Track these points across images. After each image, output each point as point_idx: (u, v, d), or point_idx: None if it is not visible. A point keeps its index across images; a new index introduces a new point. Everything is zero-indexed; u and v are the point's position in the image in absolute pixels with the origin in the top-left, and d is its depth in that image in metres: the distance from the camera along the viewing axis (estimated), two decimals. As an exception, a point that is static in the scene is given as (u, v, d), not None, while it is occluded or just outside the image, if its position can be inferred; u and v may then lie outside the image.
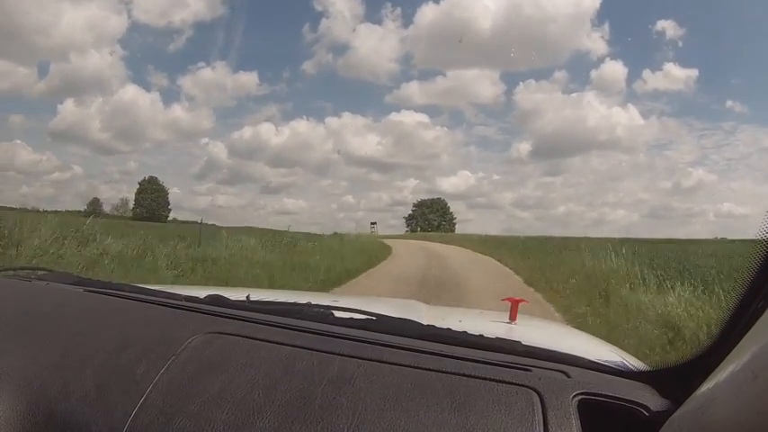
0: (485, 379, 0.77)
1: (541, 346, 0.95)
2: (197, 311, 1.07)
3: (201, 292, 1.23)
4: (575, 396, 0.74)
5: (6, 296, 1.19)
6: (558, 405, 0.72)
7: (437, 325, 1.02)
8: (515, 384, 0.76)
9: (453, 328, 1.00)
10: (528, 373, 0.80)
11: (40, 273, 1.41)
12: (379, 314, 1.07)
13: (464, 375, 0.78)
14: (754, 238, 0.64)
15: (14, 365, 0.87)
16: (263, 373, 0.80)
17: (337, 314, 1.08)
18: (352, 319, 1.06)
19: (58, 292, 1.25)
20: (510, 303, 1.54)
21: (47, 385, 0.83)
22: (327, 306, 1.13)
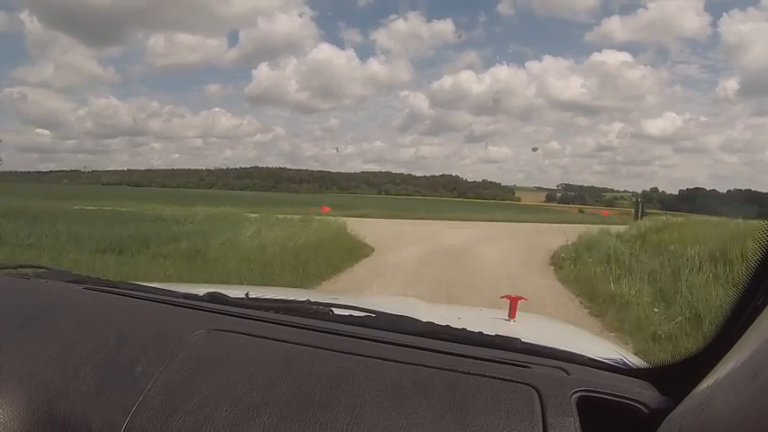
0: (484, 376, 0.77)
1: (540, 344, 0.95)
2: (196, 309, 1.07)
3: (201, 290, 1.23)
4: (574, 393, 0.74)
5: (5, 294, 1.19)
6: (557, 402, 0.72)
7: (436, 322, 1.02)
8: (514, 381, 0.76)
9: (452, 326, 1.00)
10: (527, 370, 0.80)
11: (38, 270, 1.41)
12: (379, 311, 1.07)
13: (463, 372, 0.78)
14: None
15: (13, 363, 0.87)
16: (263, 371, 0.80)
17: (337, 311, 1.08)
18: (351, 316, 1.06)
19: (56, 289, 1.25)
20: (509, 300, 1.54)
21: (46, 383, 0.83)
22: (327, 303, 1.13)
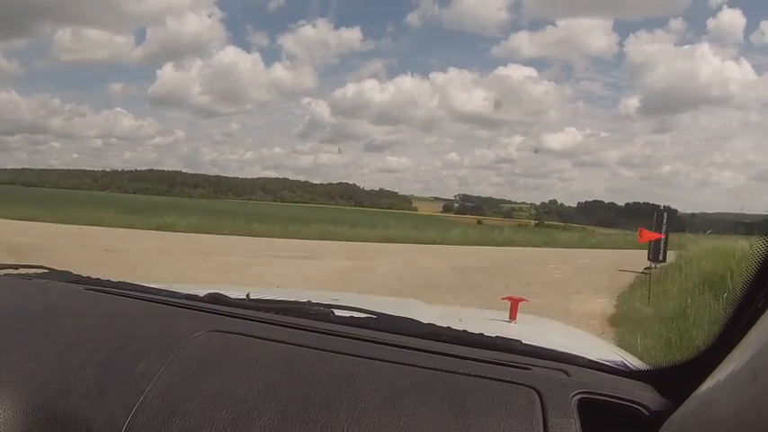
0: (485, 378, 0.77)
1: (541, 345, 0.95)
2: (197, 310, 1.07)
3: (201, 291, 1.23)
4: (574, 395, 0.74)
5: (6, 294, 1.19)
6: (557, 404, 0.72)
7: (437, 324, 1.02)
8: (515, 383, 0.76)
9: (453, 327, 1.00)
10: (528, 371, 0.80)
11: (39, 271, 1.41)
12: (380, 313, 1.07)
13: (464, 374, 0.78)
14: None
15: (14, 364, 0.87)
16: (263, 372, 0.80)
17: (338, 312, 1.08)
18: (352, 317, 1.06)
19: (57, 290, 1.25)
20: (510, 302, 1.54)
21: (46, 383, 0.83)
22: (328, 304, 1.13)
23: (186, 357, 0.85)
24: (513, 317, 1.52)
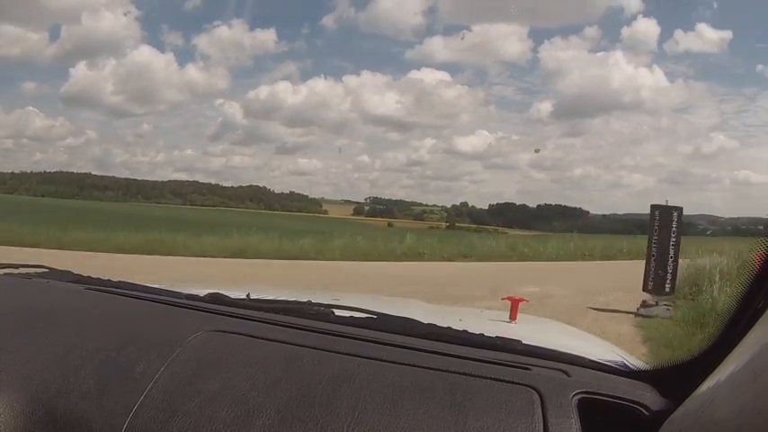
0: (485, 378, 0.77)
1: (541, 345, 0.95)
2: (197, 309, 1.07)
3: (202, 291, 1.23)
4: (575, 395, 0.74)
5: (6, 294, 1.19)
6: (557, 404, 0.72)
7: (437, 324, 1.02)
8: (515, 383, 0.76)
9: (453, 327, 1.00)
10: (528, 371, 0.80)
11: (40, 270, 1.41)
12: (380, 313, 1.07)
13: (464, 374, 0.78)
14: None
15: (15, 363, 0.87)
16: (264, 372, 0.80)
17: (338, 313, 1.08)
18: (352, 317, 1.06)
19: (58, 289, 1.25)
20: (510, 302, 1.54)
21: (47, 383, 0.83)
22: (328, 305, 1.13)
23: (186, 357, 0.85)
24: (513, 317, 1.52)
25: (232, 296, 1.17)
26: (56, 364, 0.86)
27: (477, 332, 0.97)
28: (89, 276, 1.38)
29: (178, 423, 0.74)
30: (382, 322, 1.03)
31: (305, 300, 1.18)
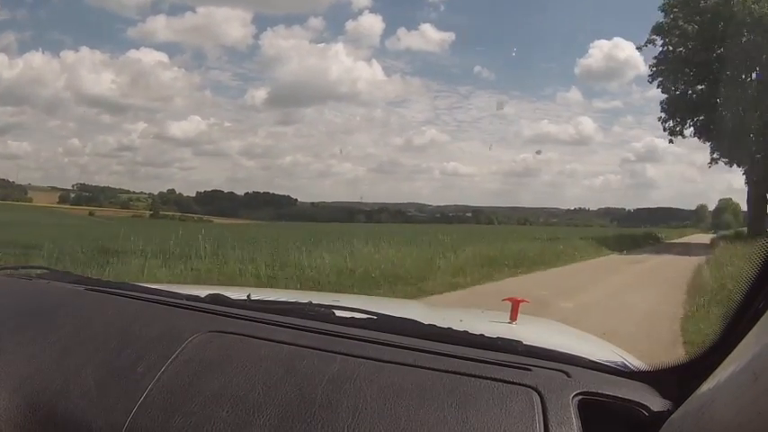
0: (485, 378, 0.77)
1: (542, 346, 0.95)
2: (198, 310, 1.07)
3: (202, 291, 1.23)
4: (575, 396, 0.74)
5: (7, 294, 1.19)
6: (558, 404, 0.72)
7: (438, 324, 1.02)
8: (516, 384, 0.76)
9: (454, 328, 1.00)
10: (528, 372, 0.80)
11: (40, 271, 1.41)
12: (381, 314, 1.07)
13: (465, 375, 0.78)
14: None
15: (15, 363, 0.87)
16: (264, 372, 0.81)
17: (338, 313, 1.08)
18: (353, 318, 1.06)
19: (58, 290, 1.26)
20: (511, 303, 1.54)
21: (47, 383, 0.83)
22: (329, 305, 1.13)
23: (187, 358, 0.85)
24: (513, 318, 1.52)
25: (232, 297, 1.17)
26: (56, 365, 0.87)
27: (478, 333, 0.97)
28: (89, 277, 1.39)
29: (178, 423, 0.74)
30: (383, 323, 1.03)
31: (305, 301, 1.18)
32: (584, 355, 0.94)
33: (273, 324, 0.99)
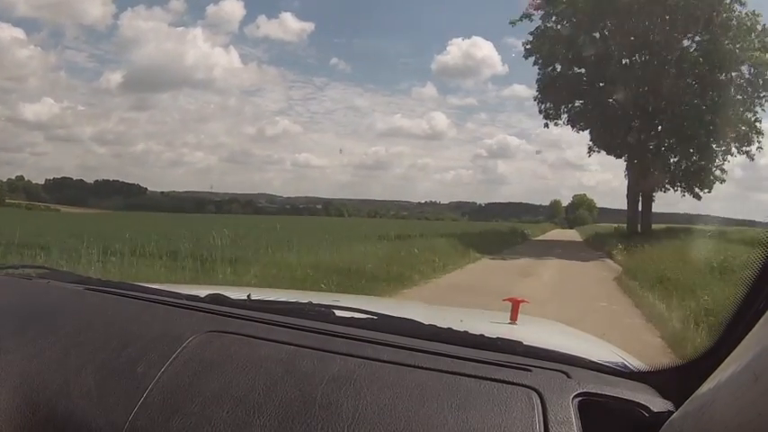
0: (485, 379, 0.77)
1: (542, 347, 0.95)
2: (198, 310, 1.07)
3: (202, 291, 1.23)
4: (575, 396, 0.74)
5: (7, 294, 1.19)
6: (558, 405, 0.72)
7: (438, 325, 1.02)
8: (516, 384, 0.76)
9: (454, 328, 1.00)
10: (528, 373, 0.80)
11: (40, 271, 1.41)
12: (381, 314, 1.07)
13: (465, 375, 0.78)
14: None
15: (15, 363, 0.87)
16: (264, 372, 0.81)
17: (338, 313, 1.08)
18: (353, 318, 1.06)
19: (58, 290, 1.26)
20: (511, 303, 1.54)
21: (48, 383, 0.83)
22: (329, 305, 1.13)
23: (187, 358, 0.85)
24: (513, 318, 1.52)
25: (232, 297, 1.17)
26: (56, 365, 0.87)
27: (478, 333, 0.97)
28: (89, 277, 1.39)
29: (178, 423, 0.74)
30: (383, 323, 1.03)
31: (305, 301, 1.18)
32: (584, 356, 0.94)
33: (273, 324, 0.99)
